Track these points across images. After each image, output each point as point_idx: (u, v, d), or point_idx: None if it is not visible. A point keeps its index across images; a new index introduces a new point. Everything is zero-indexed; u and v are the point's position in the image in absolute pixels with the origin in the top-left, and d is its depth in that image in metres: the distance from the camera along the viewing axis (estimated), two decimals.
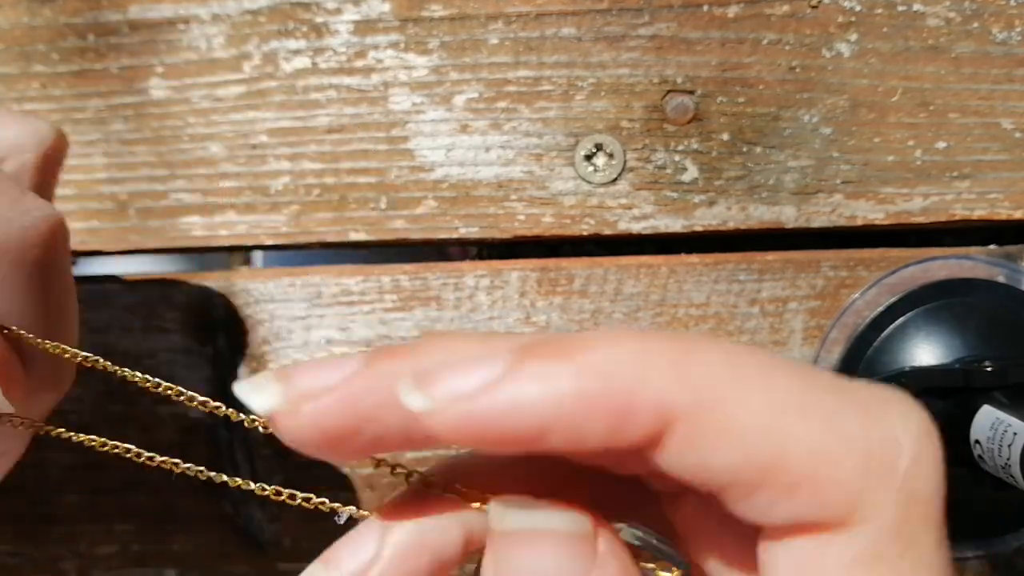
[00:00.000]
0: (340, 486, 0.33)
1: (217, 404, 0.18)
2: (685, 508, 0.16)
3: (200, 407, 0.18)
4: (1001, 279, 0.31)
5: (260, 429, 0.18)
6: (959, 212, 0.32)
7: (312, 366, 0.14)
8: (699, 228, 0.32)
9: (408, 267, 0.32)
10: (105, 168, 0.33)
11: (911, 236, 0.33)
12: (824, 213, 0.32)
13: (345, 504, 0.18)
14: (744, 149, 0.32)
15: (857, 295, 0.32)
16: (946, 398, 0.29)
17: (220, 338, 0.33)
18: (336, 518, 0.19)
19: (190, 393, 0.19)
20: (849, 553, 0.13)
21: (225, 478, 0.19)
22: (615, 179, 0.32)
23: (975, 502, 0.32)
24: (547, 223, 0.32)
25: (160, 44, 0.32)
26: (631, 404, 0.13)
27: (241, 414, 0.18)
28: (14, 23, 0.32)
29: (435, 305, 0.32)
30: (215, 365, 0.33)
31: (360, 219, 0.32)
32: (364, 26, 0.32)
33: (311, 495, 0.18)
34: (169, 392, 0.19)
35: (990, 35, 0.31)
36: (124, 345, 0.33)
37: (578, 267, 0.32)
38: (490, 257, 0.36)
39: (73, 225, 0.33)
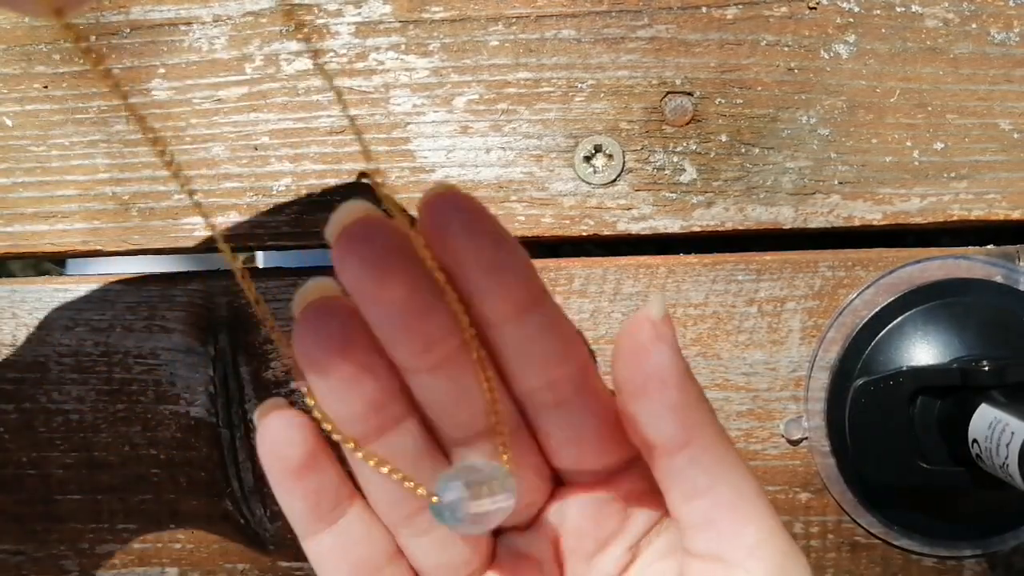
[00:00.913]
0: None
1: None
2: None
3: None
4: (999, 279, 0.31)
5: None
6: (957, 212, 0.32)
7: None
8: (697, 228, 0.32)
9: None
10: (107, 169, 0.33)
11: (909, 236, 0.33)
12: (822, 213, 0.32)
13: None
14: (742, 150, 0.32)
15: (855, 295, 0.32)
16: (944, 397, 0.29)
17: (222, 338, 0.33)
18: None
19: None
20: None
21: None
22: (614, 180, 0.32)
23: (973, 501, 0.32)
24: (547, 224, 0.32)
25: (162, 45, 0.32)
26: None
27: None
28: (16, 23, 0.32)
29: None
30: (216, 365, 0.33)
31: None
32: (365, 28, 0.32)
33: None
34: None
35: (988, 36, 0.31)
36: (126, 344, 0.33)
37: (577, 267, 0.32)
38: None
39: (75, 225, 0.33)
